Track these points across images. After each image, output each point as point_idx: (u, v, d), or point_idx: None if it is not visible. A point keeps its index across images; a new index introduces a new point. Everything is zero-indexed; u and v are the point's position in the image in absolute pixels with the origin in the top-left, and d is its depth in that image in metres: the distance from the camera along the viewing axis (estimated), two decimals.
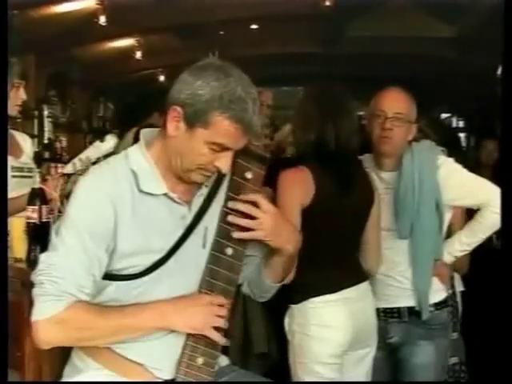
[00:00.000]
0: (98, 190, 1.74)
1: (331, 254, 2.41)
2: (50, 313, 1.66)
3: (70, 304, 1.67)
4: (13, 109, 2.83)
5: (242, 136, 1.71)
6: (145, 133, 1.85)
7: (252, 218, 1.78)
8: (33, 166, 2.97)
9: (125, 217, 1.73)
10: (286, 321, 2.46)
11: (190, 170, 1.75)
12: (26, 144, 3.04)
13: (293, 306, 2.42)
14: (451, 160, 2.60)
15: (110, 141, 2.63)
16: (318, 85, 2.64)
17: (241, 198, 1.79)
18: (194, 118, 1.69)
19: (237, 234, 1.80)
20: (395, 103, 2.55)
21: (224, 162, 1.74)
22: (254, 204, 1.79)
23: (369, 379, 2.54)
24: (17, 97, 2.82)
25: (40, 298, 1.68)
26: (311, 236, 2.26)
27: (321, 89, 2.59)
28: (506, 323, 1.82)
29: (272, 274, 1.91)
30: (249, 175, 1.81)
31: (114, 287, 1.76)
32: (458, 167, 2.59)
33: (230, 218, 1.79)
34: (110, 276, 1.75)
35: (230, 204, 1.80)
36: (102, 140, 2.65)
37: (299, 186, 2.35)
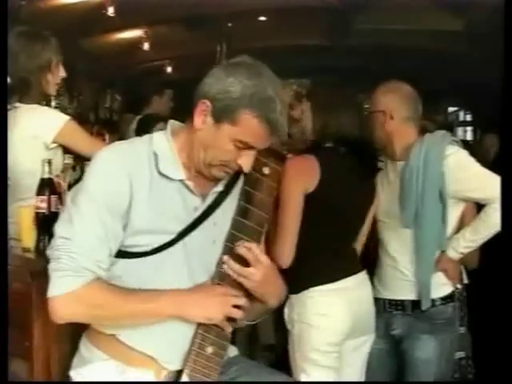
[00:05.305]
0: (116, 164, 1.74)
1: (330, 244, 2.44)
2: (69, 288, 1.67)
3: (89, 281, 1.67)
4: (53, 88, 2.74)
5: (267, 136, 1.73)
6: (172, 123, 1.87)
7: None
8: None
9: (140, 194, 1.74)
10: (286, 311, 2.47)
11: (213, 165, 1.76)
12: None
13: (292, 295, 2.43)
14: (465, 152, 2.56)
15: None
16: (323, 81, 2.69)
17: (239, 244, 1.79)
18: (222, 114, 1.70)
19: (231, 270, 1.78)
20: (380, 98, 2.61)
21: (246, 161, 1.75)
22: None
23: (364, 367, 2.56)
24: (56, 75, 2.72)
25: (57, 274, 1.68)
26: (311, 225, 2.31)
27: (327, 85, 2.67)
28: None
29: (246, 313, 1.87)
30: (266, 171, 1.85)
31: (120, 265, 1.76)
32: (470, 160, 2.54)
33: (225, 258, 1.79)
34: (117, 252, 1.75)
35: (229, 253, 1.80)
36: None
37: (304, 173, 2.37)
